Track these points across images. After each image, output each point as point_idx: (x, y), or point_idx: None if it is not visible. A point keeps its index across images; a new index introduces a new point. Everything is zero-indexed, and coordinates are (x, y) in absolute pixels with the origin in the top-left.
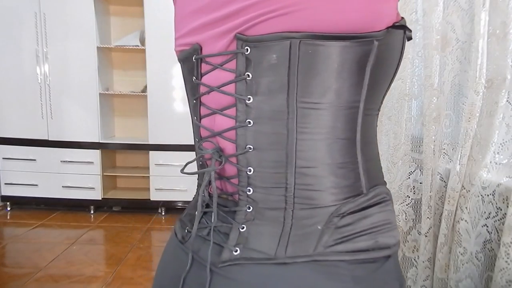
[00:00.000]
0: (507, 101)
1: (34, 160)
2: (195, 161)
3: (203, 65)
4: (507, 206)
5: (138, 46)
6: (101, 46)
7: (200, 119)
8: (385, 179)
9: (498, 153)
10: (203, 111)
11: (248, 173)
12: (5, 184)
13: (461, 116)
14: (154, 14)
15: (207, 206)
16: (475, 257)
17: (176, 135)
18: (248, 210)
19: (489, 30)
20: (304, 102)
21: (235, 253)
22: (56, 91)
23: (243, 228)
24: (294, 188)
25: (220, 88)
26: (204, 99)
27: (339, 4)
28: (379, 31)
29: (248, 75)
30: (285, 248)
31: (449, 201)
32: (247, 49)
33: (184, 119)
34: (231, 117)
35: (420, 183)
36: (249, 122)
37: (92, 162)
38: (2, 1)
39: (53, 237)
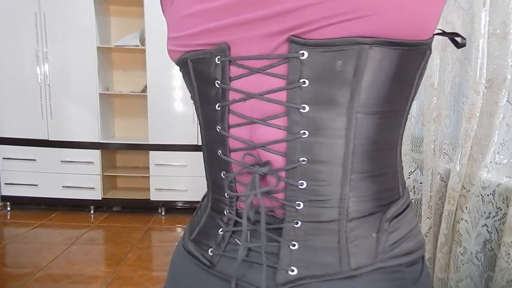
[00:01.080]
0: (507, 101)
1: (34, 160)
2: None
3: (233, 68)
4: (507, 206)
5: (138, 46)
6: (101, 46)
7: (229, 129)
8: None
9: (498, 153)
10: (234, 120)
11: (300, 187)
12: (5, 184)
13: (462, 116)
14: (154, 14)
15: (235, 223)
16: (475, 257)
17: (176, 135)
18: (296, 225)
19: (489, 30)
20: (363, 113)
21: (293, 273)
22: (56, 91)
23: (294, 245)
24: (343, 200)
25: (265, 96)
26: (235, 106)
27: (406, 9)
28: (428, 39)
29: (304, 82)
30: (348, 261)
31: (449, 201)
32: (302, 53)
33: (184, 119)
34: (280, 128)
35: (420, 183)
36: (303, 133)
37: (92, 162)
38: (2, 1)
39: (53, 237)
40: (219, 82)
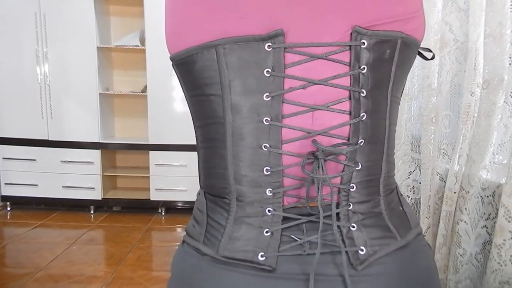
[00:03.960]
0: (505, 102)
1: (34, 160)
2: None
3: (288, 55)
4: (497, 209)
5: (138, 46)
6: (101, 46)
7: (282, 119)
8: None
9: (496, 154)
10: (289, 109)
11: (357, 168)
12: (5, 184)
13: (460, 117)
14: (154, 14)
15: (283, 220)
16: (475, 258)
17: (176, 135)
18: (349, 208)
19: (485, 30)
20: (394, 96)
21: (362, 253)
22: (56, 91)
23: (354, 227)
24: (384, 176)
25: (329, 82)
26: (291, 95)
27: (423, 14)
28: None
29: (364, 68)
30: (397, 232)
31: (447, 201)
32: (363, 42)
33: (184, 119)
34: (344, 112)
35: (420, 183)
36: (363, 115)
37: (92, 162)
38: (2, 1)
39: (53, 237)
40: (270, 70)
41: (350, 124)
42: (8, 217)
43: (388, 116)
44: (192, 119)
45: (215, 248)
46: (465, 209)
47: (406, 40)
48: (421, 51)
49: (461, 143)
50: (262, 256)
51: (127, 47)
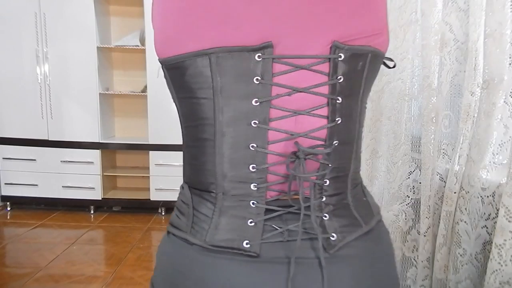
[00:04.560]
0: (505, 102)
1: (34, 160)
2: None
3: (276, 65)
4: (497, 209)
5: (138, 46)
6: (101, 46)
7: (269, 122)
8: (385, 179)
9: (496, 154)
10: (275, 113)
11: (330, 165)
12: (5, 184)
13: (460, 117)
14: None
15: (266, 212)
16: (475, 258)
17: (176, 135)
18: (322, 200)
19: (485, 30)
20: (363, 102)
21: (333, 239)
22: (56, 91)
23: (326, 217)
24: (352, 172)
25: (310, 90)
26: (278, 101)
27: (386, 30)
28: None
29: (340, 78)
30: (363, 220)
31: (447, 201)
32: (340, 55)
33: None
34: (323, 117)
35: (420, 183)
36: (338, 120)
37: (92, 162)
38: (2, 1)
39: (53, 237)
40: (259, 78)
41: (327, 128)
42: (8, 217)
43: (358, 120)
44: (180, 119)
45: (203, 238)
46: (465, 209)
47: (375, 53)
48: (384, 60)
49: (461, 143)
50: (247, 243)
51: (127, 47)
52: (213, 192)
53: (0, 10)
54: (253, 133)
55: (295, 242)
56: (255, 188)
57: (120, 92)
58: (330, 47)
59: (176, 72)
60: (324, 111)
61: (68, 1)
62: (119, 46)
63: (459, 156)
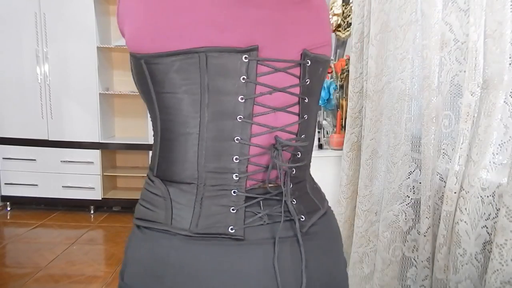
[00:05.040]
0: (505, 102)
1: (34, 160)
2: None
3: (260, 66)
4: (497, 208)
5: None
6: (101, 46)
7: (253, 117)
8: (385, 179)
9: (496, 154)
10: (258, 109)
11: (297, 156)
12: (5, 184)
13: (460, 117)
14: None
15: (245, 200)
16: (475, 258)
17: None
18: (291, 187)
19: (485, 31)
20: (318, 101)
21: (303, 220)
22: (56, 91)
23: (294, 201)
24: (309, 162)
25: (287, 89)
26: (261, 98)
27: (330, 41)
28: None
29: (307, 80)
30: (321, 204)
31: (447, 202)
32: (308, 61)
33: None
34: (294, 114)
35: (420, 183)
36: (305, 116)
37: (92, 162)
38: (2, 1)
39: (53, 237)
40: (245, 77)
41: (298, 123)
42: (8, 217)
43: (315, 118)
44: (154, 113)
45: (186, 227)
46: (465, 209)
47: (328, 61)
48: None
49: (461, 143)
50: (231, 229)
51: (127, 47)
52: (193, 183)
53: (0, 10)
54: (238, 127)
55: (274, 224)
56: (237, 178)
57: (120, 92)
58: (301, 54)
59: (158, 67)
60: (296, 109)
61: (68, 1)
62: (119, 46)
63: (459, 156)
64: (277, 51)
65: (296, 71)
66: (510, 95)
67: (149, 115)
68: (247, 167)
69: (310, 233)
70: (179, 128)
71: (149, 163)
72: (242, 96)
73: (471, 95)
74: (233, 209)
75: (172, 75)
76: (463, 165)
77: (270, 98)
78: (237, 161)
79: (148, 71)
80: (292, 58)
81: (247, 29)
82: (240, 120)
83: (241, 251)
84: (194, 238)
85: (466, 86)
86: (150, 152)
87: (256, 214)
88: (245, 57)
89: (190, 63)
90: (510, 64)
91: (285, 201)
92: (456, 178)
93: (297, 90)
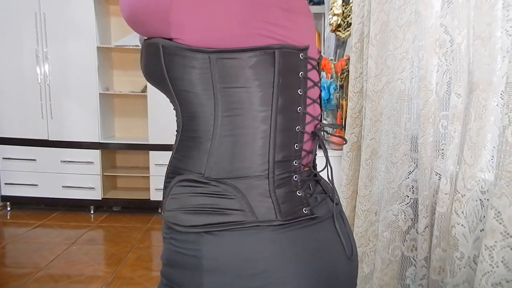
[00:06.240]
0: (497, 104)
1: (34, 160)
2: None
3: (308, 64)
4: (485, 209)
5: (138, 46)
6: (101, 46)
7: (306, 108)
8: (384, 179)
9: (493, 157)
10: (307, 101)
11: (318, 142)
12: (5, 184)
13: (448, 118)
14: None
15: (303, 183)
16: (473, 261)
17: None
18: (314, 170)
19: (475, 32)
20: None
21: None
22: (56, 91)
23: (321, 180)
24: None
25: (318, 84)
26: (309, 91)
27: None
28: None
29: (321, 76)
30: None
31: (439, 203)
32: (320, 60)
33: None
34: (319, 104)
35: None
36: (322, 107)
37: (92, 162)
38: (2, 1)
39: (53, 237)
40: (302, 73)
41: (320, 113)
42: (8, 217)
43: None
44: (210, 110)
45: (273, 217)
46: (462, 212)
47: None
48: None
49: (449, 145)
50: (305, 210)
51: (127, 47)
52: (263, 175)
53: (0, 10)
54: (298, 118)
55: (324, 202)
56: (296, 164)
57: (120, 92)
58: (318, 54)
59: (233, 62)
60: (319, 100)
61: (68, 1)
62: (119, 46)
63: (448, 157)
64: (312, 50)
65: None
66: (501, 97)
67: (149, 115)
68: (301, 153)
69: (336, 209)
70: (247, 122)
71: (184, 166)
72: (300, 90)
73: (457, 97)
74: (299, 193)
75: (247, 70)
76: (453, 166)
77: (312, 91)
78: (297, 148)
79: (218, 67)
80: (316, 57)
81: (301, 31)
82: (300, 111)
83: (317, 228)
84: (282, 226)
85: (453, 88)
86: (150, 152)
87: (311, 195)
88: (302, 55)
89: (265, 59)
90: (500, 65)
91: (319, 180)
92: (446, 179)
93: (319, 84)
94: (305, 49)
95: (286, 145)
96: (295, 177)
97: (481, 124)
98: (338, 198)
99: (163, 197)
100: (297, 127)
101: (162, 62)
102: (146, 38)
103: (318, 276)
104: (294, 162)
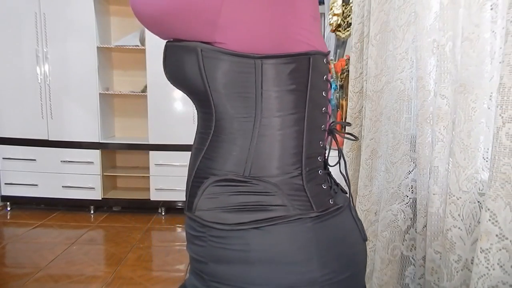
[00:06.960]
0: (488, 107)
1: (34, 160)
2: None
3: (328, 68)
4: (480, 211)
5: (138, 46)
6: (101, 46)
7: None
8: (384, 179)
9: (486, 159)
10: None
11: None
12: (5, 184)
13: (433, 119)
14: None
15: (326, 177)
16: (471, 263)
17: (176, 135)
18: (328, 164)
19: (463, 33)
20: None
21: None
22: (56, 91)
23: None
24: None
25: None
26: (328, 93)
27: None
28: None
29: None
30: None
31: (429, 203)
32: None
33: (184, 119)
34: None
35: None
36: None
37: (92, 162)
38: (2, 1)
39: (53, 237)
40: (325, 76)
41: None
42: (8, 217)
43: None
44: (249, 112)
45: (310, 209)
46: (458, 215)
47: None
48: None
49: (435, 145)
50: (331, 201)
51: (127, 47)
52: (296, 171)
53: (0, 10)
54: (323, 117)
55: (339, 193)
56: (320, 160)
57: (120, 92)
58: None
59: (273, 68)
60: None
61: (68, 1)
62: (119, 46)
63: (434, 157)
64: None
65: None
66: (490, 99)
67: (149, 115)
68: (324, 150)
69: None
70: (283, 123)
71: (218, 166)
72: (324, 92)
73: (441, 98)
74: (324, 186)
75: (287, 75)
76: (441, 167)
77: (329, 92)
78: (321, 145)
79: (263, 71)
80: (329, 60)
81: (320, 37)
82: (324, 112)
83: (340, 217)
84: (318, 217)
85: (437, 90)
86: (150, 152)
87: (331, 187)
88: (325, 59)
89: (303, 64)
90: (488, 67)
91: (330, 173)
92: (434, 180)
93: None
94: (327, 54)
95: (314, 143)
96: (320, 172)
97: (471, 126)
98: (349, 189)
99: (191, 197)
100: (322, 126)
101: (199, 66)
102: (171, 40)
103: (341, 260)
104: (318, 158)
